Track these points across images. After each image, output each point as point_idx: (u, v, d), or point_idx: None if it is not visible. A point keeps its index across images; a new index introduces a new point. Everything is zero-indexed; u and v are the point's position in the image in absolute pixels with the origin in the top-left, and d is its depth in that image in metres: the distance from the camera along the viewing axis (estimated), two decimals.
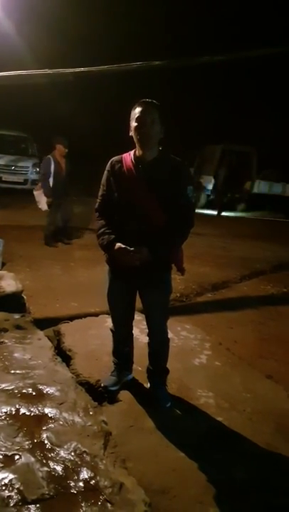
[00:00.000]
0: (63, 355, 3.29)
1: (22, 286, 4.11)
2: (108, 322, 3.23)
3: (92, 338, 3.55)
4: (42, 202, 7.58)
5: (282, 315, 5.18)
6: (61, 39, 16.00)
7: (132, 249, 2.44)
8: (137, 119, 2.46)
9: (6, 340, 3.20)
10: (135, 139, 2.51)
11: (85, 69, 5.81)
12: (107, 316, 3.58)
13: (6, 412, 2.34)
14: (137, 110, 2.47)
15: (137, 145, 2.54)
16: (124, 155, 2.62)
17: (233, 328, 4.57)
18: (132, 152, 2.60)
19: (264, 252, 8.49)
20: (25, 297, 4.09)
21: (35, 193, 7.77)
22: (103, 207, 2.67)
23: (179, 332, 3.89)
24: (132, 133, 2.53)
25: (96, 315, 4.06)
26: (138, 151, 2.55)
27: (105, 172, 2.66)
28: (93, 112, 18.95)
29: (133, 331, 3.00)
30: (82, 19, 15.92)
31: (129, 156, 2.58)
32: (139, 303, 2.83)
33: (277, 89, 19.60)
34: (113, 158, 2.65)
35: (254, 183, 16.61)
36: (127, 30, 17.85)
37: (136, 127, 2.47)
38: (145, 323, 2.88)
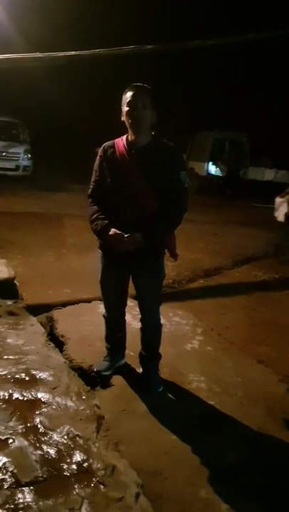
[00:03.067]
0: (56, 340, 3.30)
1: (14, 273, 4.10)
2: (101, 308, 3.24)
3: (85, 324, 3.56)
4: (281, 212, 7.01)
5: (273, 301, 5.22)
6: (53, 22, 15.72)
7: (126, 235, 2.44)
8: (129, 103, 2.43)
9: None
10: (127, 124, 2.49)
11: (77, 52, 5.75)
12: (99, 302, 3.58)
13: None
14: (128, 94, 2.44)
15: (129, 130, 2.52)
16: (117, 140, 2.59)
17: (224, 313, 4.60)
18: (124, 137, 2.58)
19: (256, 238, 8.50)
20: (17, 284, 4.08)
21: (277, 200, 7.06)
22: (96, 192, 2.65)
23: (172, 318, 3.90)
24: (123, 118, 2.50)
25: (88, 301, 4.06)
26: (130, 136, 2.53)
27: (98, 157, 2.64)
28: (85, 97, 18.74)
29: (125, 317, 3.01)
30: (74, 2, 15.65)
31: (121, 141, 2.56)
32: (131, 289, 2.84)
33: (272, 76, 19.48)
34: (105, 144, 2.63)
35: (247, 169, 16.61)
36: (119, 13, 17.59)
37: (127, 112, 2.45)
38: (138, 308, 2.89)
